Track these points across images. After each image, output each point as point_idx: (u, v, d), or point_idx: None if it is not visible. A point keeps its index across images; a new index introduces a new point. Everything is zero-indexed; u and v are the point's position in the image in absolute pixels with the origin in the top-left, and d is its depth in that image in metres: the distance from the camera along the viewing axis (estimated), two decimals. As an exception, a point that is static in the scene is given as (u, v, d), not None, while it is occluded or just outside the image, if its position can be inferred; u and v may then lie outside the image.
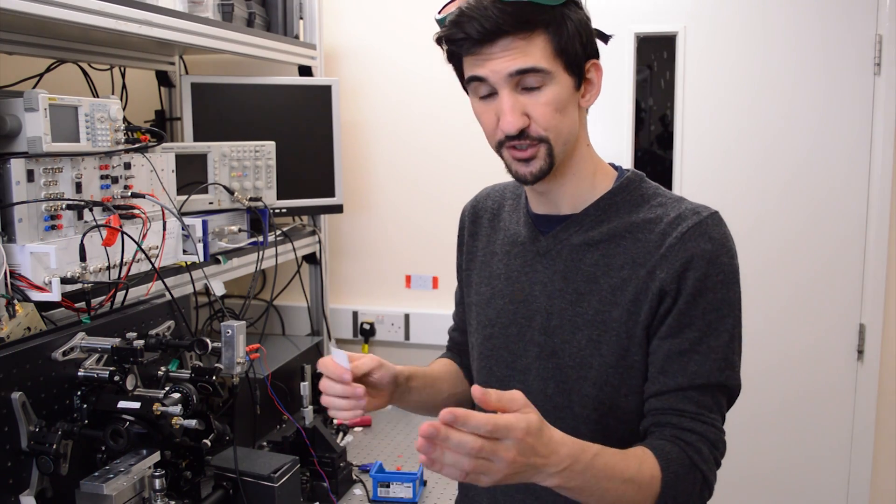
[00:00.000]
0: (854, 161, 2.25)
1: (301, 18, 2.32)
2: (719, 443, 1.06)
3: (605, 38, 1.13)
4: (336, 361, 1.07)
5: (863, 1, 2.19)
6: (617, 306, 1.08)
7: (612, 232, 1.11)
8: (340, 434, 2.07)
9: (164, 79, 2.30)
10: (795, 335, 2.34)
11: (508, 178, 1.26)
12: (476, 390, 0.87)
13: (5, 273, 1.23)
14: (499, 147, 1.09)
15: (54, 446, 1.17)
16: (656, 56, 2.37)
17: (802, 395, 2.36)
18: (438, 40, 1.09)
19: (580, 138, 1.13)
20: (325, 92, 2.28)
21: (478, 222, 1.31)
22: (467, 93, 1.15)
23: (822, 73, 2.24)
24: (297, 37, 2.30)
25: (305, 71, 2.34)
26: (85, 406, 1.28)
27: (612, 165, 1.20)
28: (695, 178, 2.35)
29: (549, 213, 1.17)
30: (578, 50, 1.06)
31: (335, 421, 2.12)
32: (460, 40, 1.04)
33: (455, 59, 1.11)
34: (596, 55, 1.11)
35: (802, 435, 2.37)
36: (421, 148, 2.49)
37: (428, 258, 2.52)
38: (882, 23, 2.18)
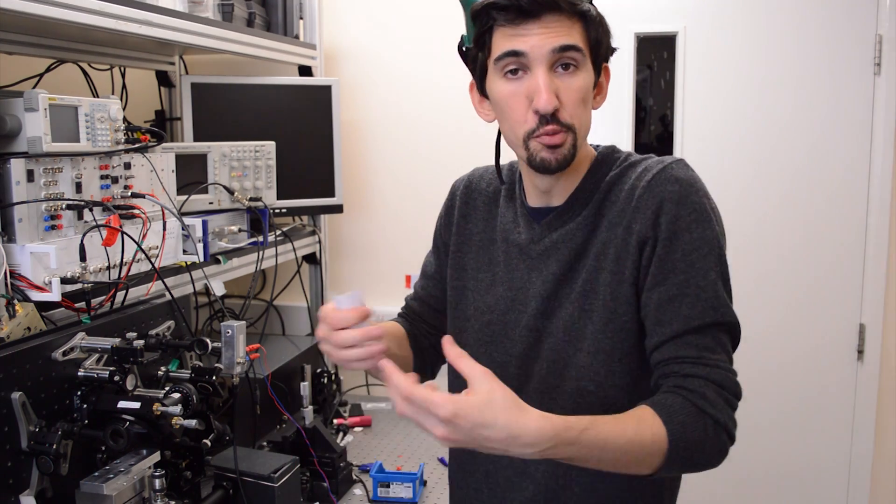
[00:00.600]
0: (854, 161, 2.25)
1: (301, 18, 2.32)
2: (727, 382, 1.02)
3: (612, 49, 1.15)
4: (345, 306, 1.02)
5: (863, 1, 2.19)
6: (603, 270, 1.10)
7: (596, 206, 1.13)
8: (340, 434, 2.07)
9: (164, 79, 2.30)
10: (796, 335, 2.34)
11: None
12: (445, 342, 0.93)
13: (5, 273, 1.23)
14: (527, 137, 1.07)
15: (54, 446, 1.17)
16: (656, 56, 2.37)
17: (802, 394, 2.36)
18: (476, 12, 1.07)
19: (585, 138, 1.15)
20: (325, 92, 2.28)
21: (472, 204, 1.30)
22: (478, 78, 1.13)
23: (823, 73, 2.24)
24: (297, 37, 2.30)
25: (305, 71, 2.34)
26: (85, 406, 1.28)
27: (592, 147, 1.21)
28: (695, 178, 2.35)
29: (545, 206, 1.19)
30: (605, 48, 1.09)
31: (335, 421, 2.13)
32: (506, 8, 1.03)
33: (484, 37, 1.08)
34: (608, 59, 1.13)
35: (802, 435, 2.37)
36: (421, 148, 2.49)
37: (428, 258, 2.52)
38: (882, 23, 2.18)
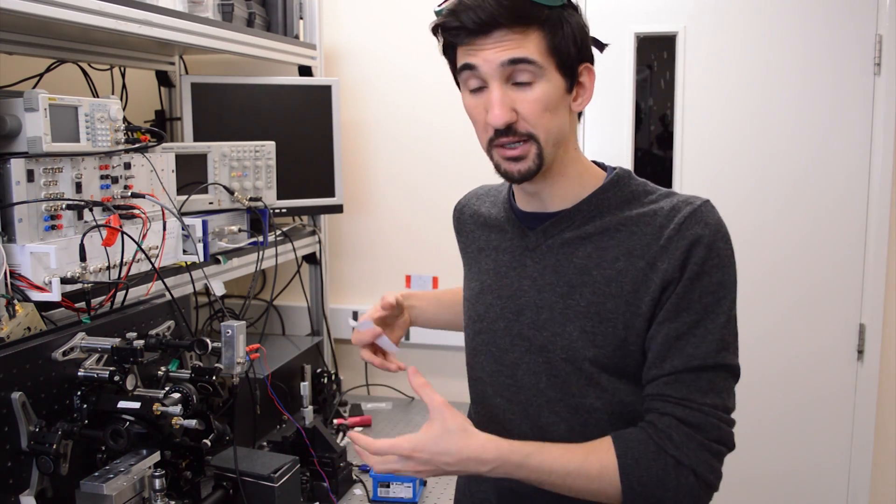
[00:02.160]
0: (854, 161, 2.25)
1: (301, 18, 2.33)
2: (707, 425, 1.04)
3: (601, 46, 1.14)
4: (363, 330, 1.26)
5: (863, 1, 2.19)
6: (612, 297, 1.09)
7: (605, 226, 1.12)
8: (340, 434, 2.07)
9: (164, 79, 2.31)
10: (796, 336, 2.34)
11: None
12: (410, 372, 1.10)
13: (5, 273, 1.23)
14: (489, 146, 1.10)
15: (54, 446, 1.17)
16: (656, 56, 2.37)
17: (803, 395, 2.36)
18: (434, 29, 1.10)
19: (569, 141, 1.13)
20: (325, 92, 2.28)
21: (464, 220, 1.34)
22: (459, 87, 1.16)
23: (823, 73, 2.24)
24: (297, 37, 2.30)
25: (305, 71, 2.34)
26: (85, 406, 1.28)
27: (599, 165, 1.21)
28: (695, 178, 2.35)
29: (537, 211, 1.18)
30: (572, 52, 1.07)
31: (335, 421, 2.13)
32: (456, 29, 1.05)
33: (450, 50, 1.11)
34: (590, 60, 1.11)
35: (803, 435, 2.37)
36: (421, 148, 2.49)
37: (428, 258, 2.52)
38: (882, 23, 2.18)
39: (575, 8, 1.09)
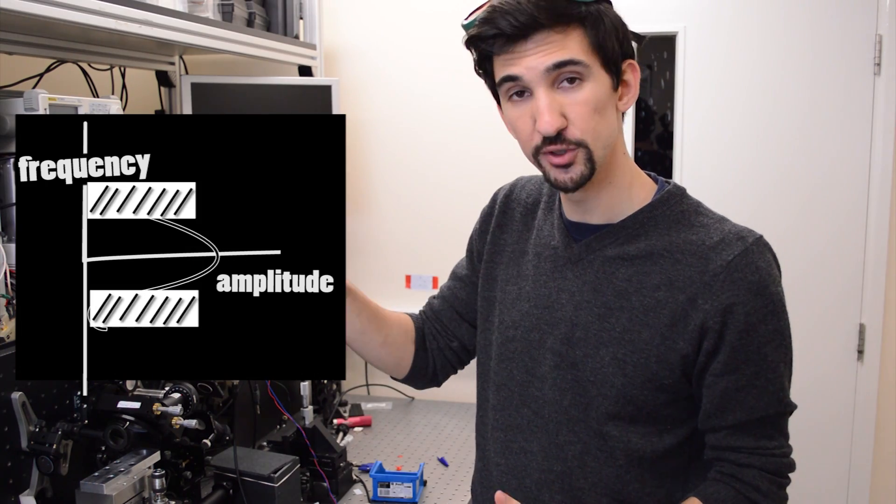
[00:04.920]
0: (854, 161, 2.25)
1: (301, 18, 2.33)
2: (782, 467, 1.08)
3: (640, 38, 1.08)
4: None
5: (863, 1, 2.19)
6: (648, 327, 1.04)
7: (650, 249, 1.06)
8: (340, 434, 2.07)
9: (164, 79, 2.30)
10: (795, 335, 2.32)
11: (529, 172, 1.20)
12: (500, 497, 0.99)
13: (5, 273, 1.23)
14: (535, 154, 1.03)
15: (54, 446, 1.17)
16: (656, 56, 2.38)
17: (802, 394, 2.33)
18: (468, 43, 1.04)
19: (617, 145, 1.08)
20: (325, 92, 2.27)
21: (509, 213, 1.24)
22: (497, 102, 1.10)
23: (822, 73, 2.24)
24: (297, 37, 2.30)
25: (305, 71, 2.34)
26: (85, 406, 1.28)
27: (651, 176, 1.15)
28: (695, 177, 2.35)
29: (583, 222, 1.12)
30: (615, 47, 1.02)
31: (335, 421, 2.13)
32: (492, 37, 0.99)
33: (485, 64, 1.05)
34: (632, 55, 1.05)
35: (802, 435, 2.36)
36: (421, 148, 2.49)
37: (428, 258, 2.52)
38: (882, 23, 2.18)
39: (609, 1, 1.03)
